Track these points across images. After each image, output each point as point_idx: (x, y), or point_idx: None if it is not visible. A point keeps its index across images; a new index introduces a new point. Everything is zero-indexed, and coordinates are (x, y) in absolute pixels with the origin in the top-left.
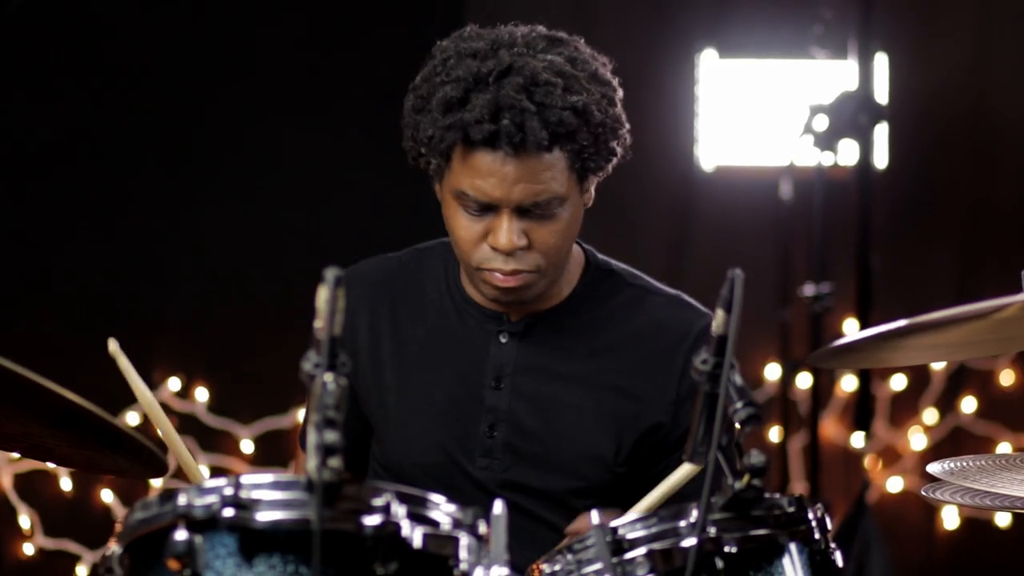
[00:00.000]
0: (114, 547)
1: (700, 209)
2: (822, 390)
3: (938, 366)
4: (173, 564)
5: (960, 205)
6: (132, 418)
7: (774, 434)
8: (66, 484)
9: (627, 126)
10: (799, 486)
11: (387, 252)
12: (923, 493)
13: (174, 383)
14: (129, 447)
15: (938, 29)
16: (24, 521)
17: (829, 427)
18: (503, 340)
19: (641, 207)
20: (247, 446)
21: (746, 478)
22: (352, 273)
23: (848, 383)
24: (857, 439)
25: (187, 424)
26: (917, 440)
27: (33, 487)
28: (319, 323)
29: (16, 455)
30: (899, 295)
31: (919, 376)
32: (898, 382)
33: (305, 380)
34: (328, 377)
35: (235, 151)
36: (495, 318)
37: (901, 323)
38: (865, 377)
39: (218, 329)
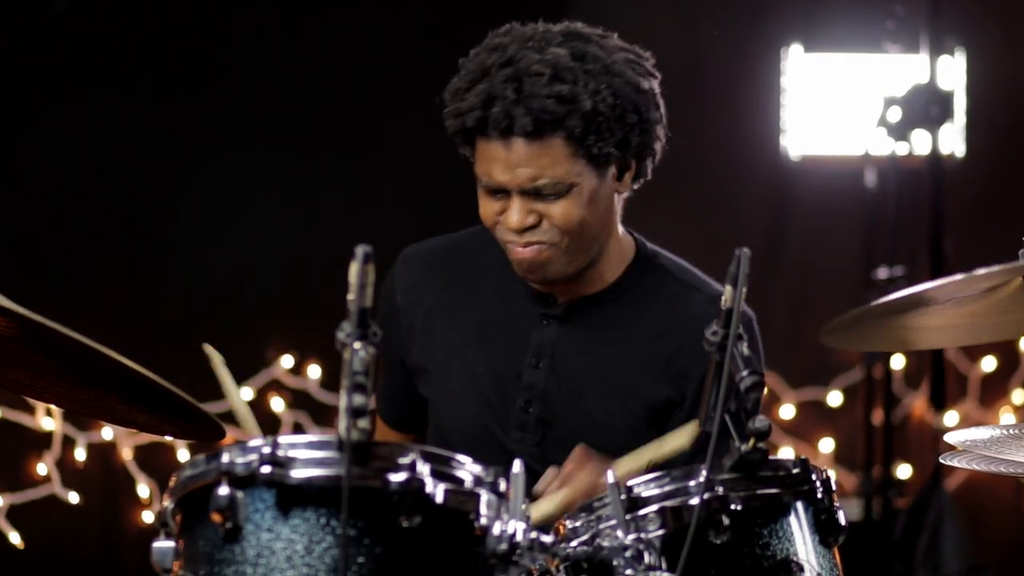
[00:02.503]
0: (167, 502)
1: (789, 196)
2: (914, 371)
3: None
4: (216, 517)
5: None
6: (246, 393)
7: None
8: (183, 455)
9: (651, 116)
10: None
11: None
12: (940, 460)
13: (287, 360)
14: (190, 413)
15: (1013, 21)
16: (143, 490)
17: (920, 407)
18: (545, 323)
19: (733, 193)
20: None
21: (752, 441)
22: (414, 252)
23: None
24: (945, 419)
25: (300, 400)
26: (1007, 419)
27: (151, 458)
28: (351, 296)
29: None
30: None
31: (1008, 358)
32: (988, 364)
33: (339, 348)
34: (358, 345)
35: (346, 141)
36: (541, 301)
37: (904, 292)
38: (939, 360)
39: (330, 307)
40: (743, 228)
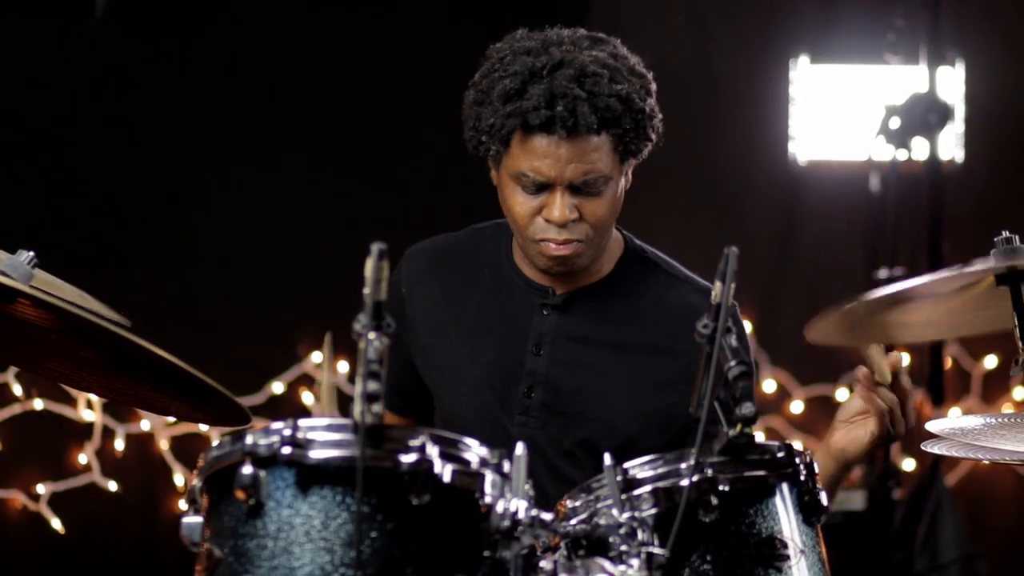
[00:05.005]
0: (195, 481)
1: (796, 199)
2: (919, 368)
3: None
4: (240, 494)
5: None
6: (277, 387)
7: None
8: None
9: (660, 116)
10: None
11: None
12: (922, 447)
13: (318, 356)
14: (218, 401)
15: (1011, 33)
16: (179, 479)
17: (928, 404)
18: (545, 312)
19: (744, 196)
20: None
21: (739, 427)
22: (417, 249)
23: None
24: (949, 414)
25: None
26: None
27: (187, 448)
28: (366, 290)
29: (172, 419)
30: None
31: (1010, 355)
32: (990, 361)
33: (355, 338)
34: (372, 336)
35: (378, 140)
36: (540, 291)
37: (881, 292)
38: (937, 358)
39: (360, 305)
40: (753, 230)
